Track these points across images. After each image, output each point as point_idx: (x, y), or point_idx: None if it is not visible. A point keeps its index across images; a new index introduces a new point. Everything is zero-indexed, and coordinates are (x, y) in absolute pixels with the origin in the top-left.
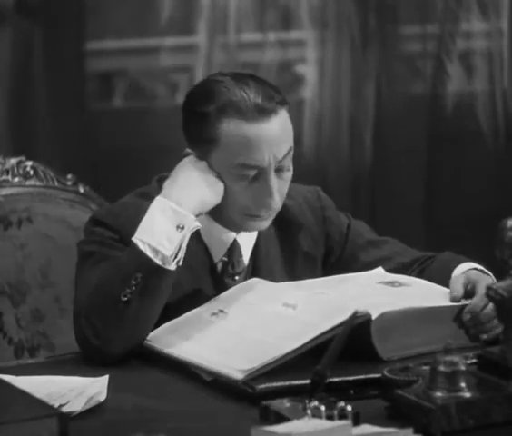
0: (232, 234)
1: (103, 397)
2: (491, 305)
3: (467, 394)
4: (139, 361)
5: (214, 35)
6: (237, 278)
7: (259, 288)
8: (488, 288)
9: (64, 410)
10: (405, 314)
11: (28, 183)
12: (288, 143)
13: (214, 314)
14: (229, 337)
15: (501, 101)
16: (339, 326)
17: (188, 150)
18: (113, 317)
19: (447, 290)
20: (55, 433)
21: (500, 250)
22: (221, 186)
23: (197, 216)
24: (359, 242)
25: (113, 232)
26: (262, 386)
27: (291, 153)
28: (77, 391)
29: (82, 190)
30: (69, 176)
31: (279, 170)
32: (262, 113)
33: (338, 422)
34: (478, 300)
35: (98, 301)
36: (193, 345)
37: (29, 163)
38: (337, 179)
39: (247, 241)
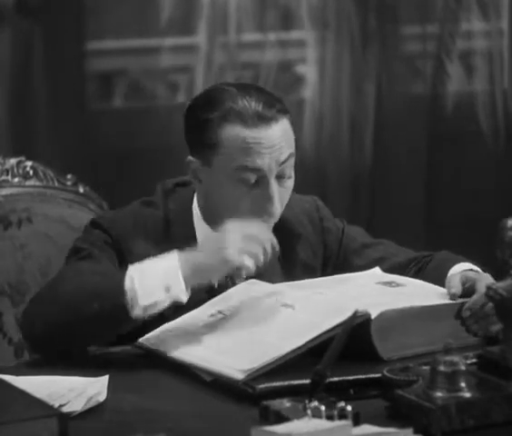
0: None
1: (102, 397)
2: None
3: (467, 394)
4: (139, 361)
5: (214, 35)
6: None
7: (257, 289)
8: (488, 288)
9: (64, 410)
10: (404, 313)
11: (28, 183)
12: (289, 149)
13: (213, 315)
14: (228, 338)
15: (501, 101)
16: (339, 326)
17: (190, 158)
18: (61, 323)
19: (444, 290)
20: (55, 433)
21: (500, 250)
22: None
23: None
24: (352, 247)
25: (107, 236)
26: (262, 386)
27: (293, 160)
28: (77, 391)
29: (81, 190)
30: (69, 176)
31: (280, 177)
32: (263, 120)
33: (338, 422)
34: (479, 297)
35: (60, 295)
36: (193, 346)
37: (29, 164)
38: (337, 179)
39: None
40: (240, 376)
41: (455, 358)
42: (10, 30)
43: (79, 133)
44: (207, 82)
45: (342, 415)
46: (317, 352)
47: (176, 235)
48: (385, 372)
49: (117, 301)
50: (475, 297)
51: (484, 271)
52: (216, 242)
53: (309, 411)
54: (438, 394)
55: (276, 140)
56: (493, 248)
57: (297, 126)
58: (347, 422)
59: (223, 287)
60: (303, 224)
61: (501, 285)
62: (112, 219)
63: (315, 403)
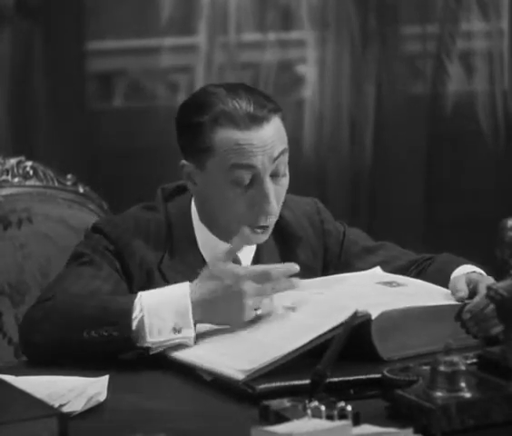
0: None
1: (102, 397)
2: (492, 305)
3: (468, 394)
4: (139, 361)
5: (214, 35)
6: None
7: None
8: (489, 288)
9: (64, 410)
10: (405, 314)
11: (28, 183)
12: (281, 145)
13: None
14: (229, 338)
15: (501, 101)
16: (339, 326)
17: (184, 161)
18: (63, 339)
19: (445, 290)
20: (55, 433)
21: (500, 250)
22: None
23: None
24: (354, 251)
25: (108, 242)
26: (262, 386)
27: (286, 156)
28: (77, 391)
29: (81, 190)
30: (69, 176)
31: (274, 175)
32: (254, 121)
33: (338, 422)
34: (480, 299)
35: (64, 312)
36: (193, 347)
37: (29, 164)
38: (337, 179)
39: (246, 254)
40: (240, 376)
41: (455, 358)
42: (10, 30)
43: (79, 133)
44: (207, 82)
45: (342, 415)
46: (317, 353)
47: (177, 239)
48: (385, 372)
49: (125, 333)
50: (476, 299)
51: (487, 274)
52: (232, 292)
53: (309, 411)
54: (439, 394)
55: (268, 139)
56: (493, 248)
57: (297, 126)
58: (347, 422)
59: None
60: (304, 227)
61: (501, 285)
62: (113, 224)
63: (315, 403)
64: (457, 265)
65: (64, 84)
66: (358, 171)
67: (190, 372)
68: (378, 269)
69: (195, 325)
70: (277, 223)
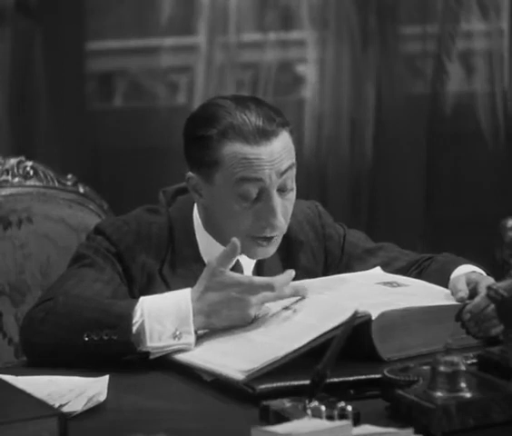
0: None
1: (103, 397)
2: (492, 306)
3: (468, 394)
4: (139, 361)
5: (214, 35)
6: None
7: None
8: (489, 288)
9: (64, 410)
10: (405, 314)
11: (28, 183)
12: (289, 159)
13: None
14: (229, 339)
15: (501, 101)
16: (339, 326)
17: (190, 173)
18: (63, 340)
19: (445, 290)
20: (55, 433)
21: (500, 250)
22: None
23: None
24: (354, 253)
25: (110, 244)
26: (262, 386)
27: (294, 171)
28: (77, 392)
29: (82, 190)
30: (69, 176)
31: (281, 190)
32: (263, 135)
33: (338, 422)
34: (480, 300)
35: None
36: (194, 347)
37: (29, 164)
38: (337, 179)
39: (249, 261)
40: (240, 376)
41: (455, 358)
42: (10, 30)
43: (79, 133)
44: (207, 82)
45: (342, 415)
46: (317, 353)
47: (179, 243)
48: (385, 373)
49: (125, 337)
50: (476, 300)
51: (487, 274)
52: (236, 303)
53: (309, 411)
54: (439, 394)
55: (276, 154)
56: (493, 248)
57: (297, 126)
58: (347, 422)
59: None
60: (305, 231)
61: (501, 285)
62: (115, 226)
63: (315, 403)
64: (457, 265)
65: (64, 84)
66: (358, 171)
67: (190, 372)
68: (378, 269)
69: (196, 332)
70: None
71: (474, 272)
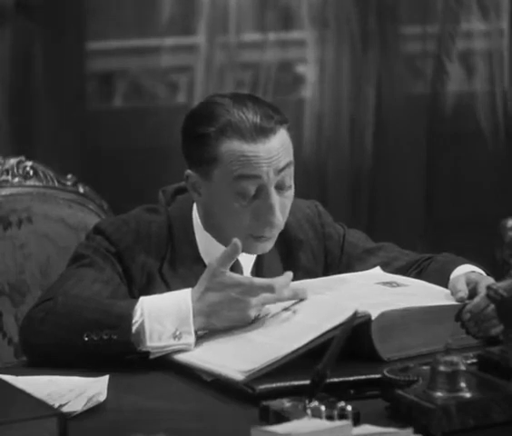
0: None
1: (103, 397)
2: (492, 306)
3: (468, 394)
4: (139, 361)
5: (214, 35)
6: None
7: None
8: (488, 288)
9: (64, 410)
10: (405, 314)
11: (28, 183)
12: (287, 156)
13: None
14: (229, 339)
15: (501, 101)
16: (339, 326)
17: (189, 171)
18: (63, 340)
19: (445, 290)
20: (55, 433)
21: (500, 250)
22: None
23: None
24: (354, 253)
25: (109, 243)
26: (262, 386)
27: (292, 169)
28: (77, 392)
29: (81, 190)
30: (69, 176)
31: (279, 187)
32: (261, 133)
33: (338, 422)
34: (480, 300)
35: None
36: (194, 347)
37: (29, 163)
38: (337, 179)
39: (248, 259)
40: (240, 377)
41: (455, 358)
42: (10, 30)
43: (79, 133)
44: (207, 82)
45: (342, 415)
46: (317, 353)
47: (178, 243)
48: (385, 372)
49: (125, 337)
50: (476, 300)
51: (487, 274)
52: (237, 304)
53: (309, 411)
54: (439, 394)
55: (274, 151)
56: (493, 248)
57: (297, 126)
58: (347, 422)
59: None
60: (305, 230)
61: (501, 285)
62: (115, 226)
63: (315, 403)
64: (457, 265)
65: (65, 84)
66: (358, 170)
67: (190, 372)
68: (377, 269)
69: (196, 332)
70: (281, 230)
71: (473, 272)
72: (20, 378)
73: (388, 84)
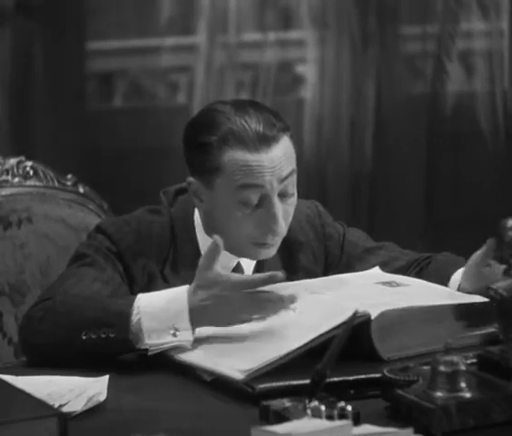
0: (236, 258)
1: (103, 397)
2: None
3: (468, 394)
4: (139, 361)
5: (214, 35)
6: None
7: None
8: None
9: (64, 410)
10: (405, 314)
11: (28, 183)
12: (290, 165)
13: None
14: (229, 338)
15: (501, 101)
16: (339, 326)
17: (190, 179)
18: (62, 339)
19: (446, 289)
20: (55, 433)
21: (500, 249)
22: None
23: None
24: (354, 253)
25: (111, 243)
26: (262, 386)
27: (295, 176)
28: (77, 392)
29: (81, 190)
30: (69, 176)
31: (282, 195)
32: (264, 141)
33: (338, 422)
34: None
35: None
36: (193, 347)
37: (29, 164)
38: (337, 179)
39: (249, 262)
40: (240, 376)
41: (455, 358)
42: (10, 30)
43: (79, 133)
44: (207, 82)
45: (342, 415)
46: (317, 353)
47: (180, 244)
48: (385, 372)
49: (123, 335)
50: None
51: None
52: (225, 301)
53: (309, 411)
54: (439, 394)
55: (277, 160)
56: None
57: (297, 126)
58: (347, 422)
59: None
60: (305, 231)
61: (501, 285)
62: (117, 225)
63: (315, 403)
64: (458, 267)
65: (64, 84)
66: (358, 171)
67: (190, 372)
68: (377, 269)
69: (193, 329)
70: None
71: None
72: (20, 378)
73: (388, 84)
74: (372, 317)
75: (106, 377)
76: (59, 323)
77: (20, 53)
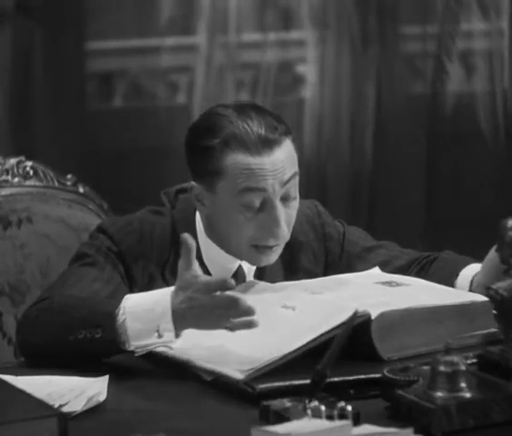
0: (237, 261)
1: (102, 397)
2: None
3: (468, 394)
4: (139, 361)
5: (214, 35)
6: None
7: (257, 289)
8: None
9: (64, 410)
10: (405, 314)
11: (28, 183)
12: (292, 168)
13: None
14: (229, 338)
15: (501, 101)
16: (339, 326)
17: (193, 183)
18: (52, 339)
19: (447, 288)
20: (55, 433)
21: (500, 249)
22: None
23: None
24: (354, 252)
25: (112, 243)
26: (262, 386)
27: (297, 179)
28: (77, 392)
29: (81, 190)
30: (69, 176)
31: (285, 199)
32: (266, 145)
33: (338, 422)
34: None
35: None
36: (193, 346)
37: (29, 163)
38: (337, 179)
39: (250, 266)
40: (240, 376)
41: (455, 358)
42: (10, 30)
43: (79, 133)
44: (207, 82)
45: (342, 415)
46: (317, 353)
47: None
48: (385, 372)
49: (109, 336)
50: None
51: None
52: (197, 303)
53: (309, 411)
54: (439, 394)
55: (279, 163)
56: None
57: (297, 126)
58: (347, 422)
59: None
60: (305, 231)
61: (501, 285)
62: (118, 226)
63: (315, 403)
64: (465, 264)
65: (64, 84)
66: (358, 171)
67: (190, 372)
68: (376, 269)
69: (177, 329)
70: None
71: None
72: (20, 378)
73: (388, 84)
74: (372, 317)
75: (106, 377)
76: (52, 322)
77: (20, 53)
